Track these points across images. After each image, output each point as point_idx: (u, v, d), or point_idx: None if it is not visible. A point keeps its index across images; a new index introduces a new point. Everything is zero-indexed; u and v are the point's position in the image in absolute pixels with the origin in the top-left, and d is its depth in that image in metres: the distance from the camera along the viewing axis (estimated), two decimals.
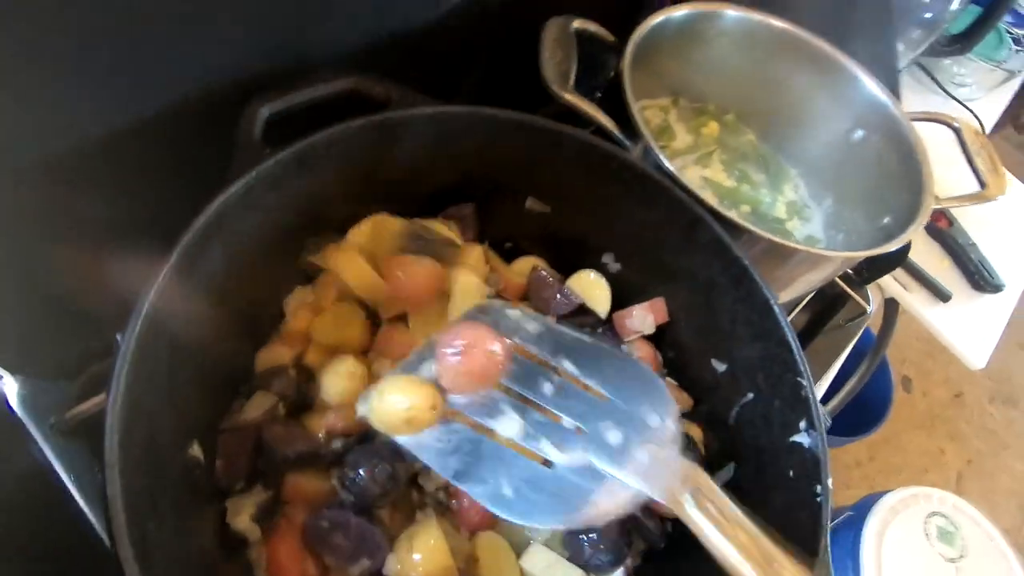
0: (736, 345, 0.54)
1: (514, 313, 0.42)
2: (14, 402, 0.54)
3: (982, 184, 0.68)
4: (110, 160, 0.46)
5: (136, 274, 0.41)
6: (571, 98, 0.56)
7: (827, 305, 0.90)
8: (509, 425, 0.38)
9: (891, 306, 0.99)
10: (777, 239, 0.55)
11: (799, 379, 0.48)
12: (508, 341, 0.40)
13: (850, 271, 0.89)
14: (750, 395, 0.52)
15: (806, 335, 0.89)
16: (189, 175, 0.44)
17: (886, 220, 0.65)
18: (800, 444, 0.46)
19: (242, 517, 0.43)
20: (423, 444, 0.38)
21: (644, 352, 0.60)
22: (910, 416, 2.23)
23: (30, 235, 0.46)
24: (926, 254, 1.15)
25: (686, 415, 0.58)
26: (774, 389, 0.50)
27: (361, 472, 0.43)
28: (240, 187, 0.42)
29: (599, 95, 0.69)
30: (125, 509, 0.31)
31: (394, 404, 0.38)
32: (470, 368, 0.38)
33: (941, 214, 1.11)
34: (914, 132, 0.66)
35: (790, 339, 0.49)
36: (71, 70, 0.39)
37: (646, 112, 0.80)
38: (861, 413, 1.52)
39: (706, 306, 0.56)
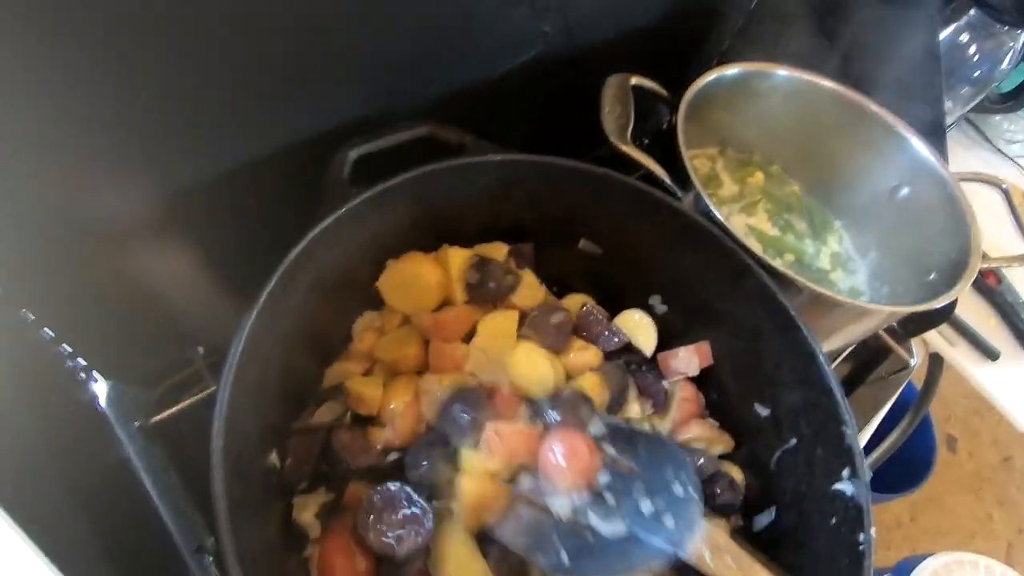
0: (780, 391, 0.56)
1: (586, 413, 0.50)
2: (103, 402, 0.60)
3: None
4: (216, 200, 0.52)
5: (223, 301, 0.46)
6: (628, 150, 0.60)
7: (870, 357, 0.90)
8: (561, 503, 0.45)
9: (935, 361, 0.98)
10: (822, 290, 0.57)
11: (843, 428, 0.49)
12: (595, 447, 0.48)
13: (894, 324, 0.89)
14: (793, 440, 0.54)
15: (848, 385, 0.89)
16: (283, 214, 0.49)
17: (932, 276, 0.66)
18: (843, 492, 0.48)
19: (307, 514, 0.46)
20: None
21: (687, 392, 0.62)
22: (956, 477, 2.13)
23: (135, 264, 0.51)
24: (973, 311, 1.13)
25: (727, 456, 0.59)
26: (817, 436, 0.51)
27: (425, 463, 0.47)
28: (330, 222, 0.47)
29: (647, 141, 0.73)
30: (227, 509, 0.35)
31: None
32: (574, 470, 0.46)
33: (991, 272, 1.10)
34: (961, 192, 0.68)
35: (834, 388, 0.50)
36: (193, 122, 0.45)
37: (694, 161, 0.83)
38: (903, 471, 1.48)
39: (750, 351, 0.58)
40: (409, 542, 0.44)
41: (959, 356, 1.11)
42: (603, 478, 0.47)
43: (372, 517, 0.44)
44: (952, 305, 0.83)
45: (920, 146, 0.72)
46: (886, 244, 0.78)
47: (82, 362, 0.58)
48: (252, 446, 0.42)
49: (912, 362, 0.89)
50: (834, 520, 0.47)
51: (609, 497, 0.45)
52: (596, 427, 0.50)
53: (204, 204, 0.49)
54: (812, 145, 0.81)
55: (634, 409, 0.60)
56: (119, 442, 0.59)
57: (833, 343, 0.70)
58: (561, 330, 0.60)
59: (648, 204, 0.59)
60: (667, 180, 0.62)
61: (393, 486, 0.45)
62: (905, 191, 0.74)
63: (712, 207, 0.59)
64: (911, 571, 1.17)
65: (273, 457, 0.47)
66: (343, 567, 0.44)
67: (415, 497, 0.45)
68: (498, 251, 0.61)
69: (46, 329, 0.53)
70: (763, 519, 0.55)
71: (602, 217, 0.62)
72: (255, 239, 0.47)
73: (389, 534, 0.43)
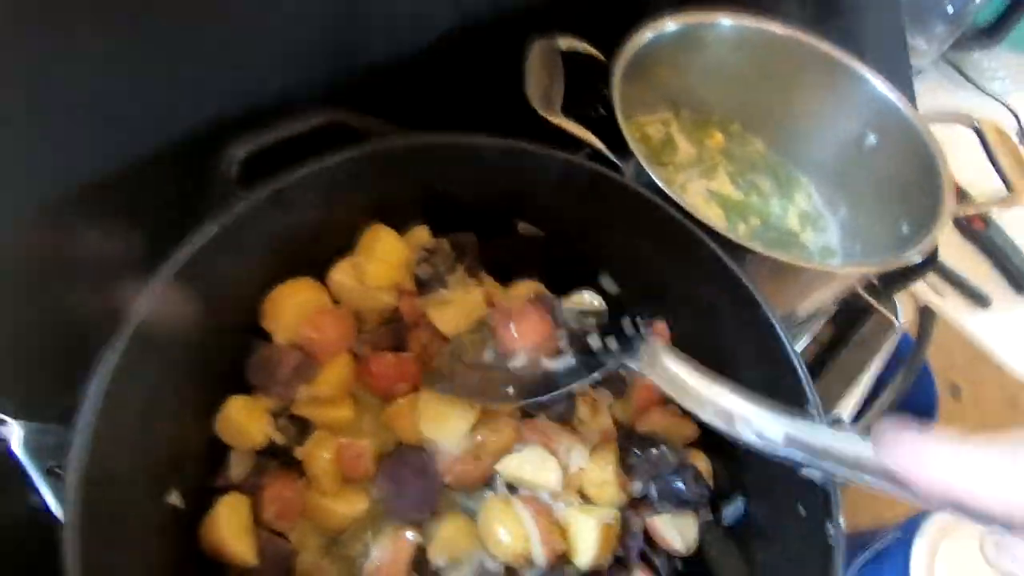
0: (742, 371, 0.51)
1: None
2: (16, 446, 0.55)
3: (1008, 187, 0.63)
4: (96, 204, 0.46)
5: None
6: (557, 120, 0.55)
7: (853, 317, 0.86)
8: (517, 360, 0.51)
9: (926, 315, 0.93)
10: (783, 257, 0.52)
11: (806, 407, 0.44)
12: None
13: (875, 281, 0.84)
14: None
15: (831, 349, 0.84)
16: (176, 217, 0.44)
17: (904, 229, 0.62)
18: (810, 479, 0.43)
19: None
20: None
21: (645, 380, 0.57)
22: (961, 426, 2.10)
23: (27, 282, 0.46)
24: (961, 257, 1.09)
25: (691, 444, 0.55)
26: None
27: None
28: (216, 232, 0.42)
29: (599, 115, 0.67)
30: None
31: None
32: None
33: (976, 215, 1.05)
34: (930, 135, 0.62)
35: (797, 366, 0.46)
36: (47, 121, 0.40)
37: (647, 128, 0.77)
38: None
39: (709, 330, 0.54)
40: None
41: (949, 306, 1.07)
42: (560, 341, 0.51)
43: None
44: (934, 255, 0.78)
45: (883, 87, 0.66)
46: (856, 198, 0.73)
47: None
48: (134, 491, 0.38)
49: (896, 322, 0.84)
50: (802, 509, 0.43)
51: (563, 346, 0.50)
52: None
53: (99, 207, 0.44)
54: (772, 98, 0.76)
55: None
56: (33, 491, 0.55)
57: (806, 308, 0.65)
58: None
59: (585, 179, 0.53)
60: (607, 152, 0.56)
61: None
62: (872, 139, 0.69)
63: (655, 176, 0.54)
64: (920, 526, 1.13)
65: (173, 497, 0.42)
66: None
67: None
68: (424, 237, 0.56)
69: None
70: (732, 510, 0.50)
71: (539, 197, 0.56)
72: (163, 246, 0.41)
73: None
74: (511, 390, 0.47)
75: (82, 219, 0.45)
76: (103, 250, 0.48)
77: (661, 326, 0.57)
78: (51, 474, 0.54)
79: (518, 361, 0.50)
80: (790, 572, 0.41)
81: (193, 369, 0.44)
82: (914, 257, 0.53)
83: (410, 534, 0.49)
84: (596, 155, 0.57)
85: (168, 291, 0.40)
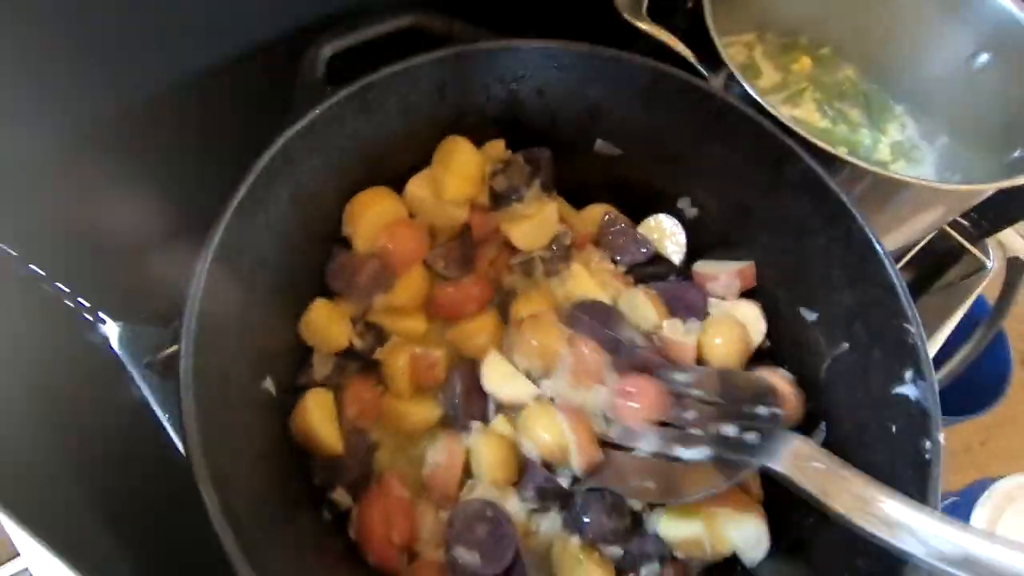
0: (830, 292, 0.49)
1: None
2: (115, 343, 0.59)
3: None
4: (181, 114, 0.47)
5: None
6: (644, 25, 0.52)
7: (938, 261, 0.81)
8: (648, 442, 0.47)
9: (1014, 266, 0.87)
10: (880, 171, 0.49)
11: (906, 324, 0.42)
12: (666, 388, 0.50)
13: (967, 222, 0.79)
14: (845, 346, 0.47)
15: (912, 294, 0.80)
16: (265, 119, 0.45)
17: (1016, 154, 0.57)
18: (905, 396, 0.41)
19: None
20: None
21: (745, 310, 0.54)
22: None
23: (122, 192, 0.48)
24: None
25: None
26: (874, 338, 0.45)
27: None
28: (303, 125, 0.42)
29: (684, 27, 0.64)
30: (200, 432, 0.32)
31: None
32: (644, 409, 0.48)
33: None
34: None
35: (895, 281, 0.43)
36: (142, 25, 0.40)
37: (728, 50, 0.73)
38: (972, 391, 1.36)
39: (795, 250, 0.51)
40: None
41: None
42: (687, 414, 0.48)
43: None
44: None
45: None
46: (960, 125, 0.67)
47: (85, 303, 0.56)
48: (239, 370, 0.39)
49: (988, 263, 0.79)
50: (895, 428, 0.41)
51: (694, 431, 0.47)
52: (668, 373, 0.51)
53: (168, 119, 0.45)
54: (869, 18, 0.70)
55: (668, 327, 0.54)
56: (131, 381, 0.58)
57: (896, 240, 0.62)
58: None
59: (670, 88, 0.51)
60: (692, 59, 0.53)
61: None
62: (984, 57, 0.63)
63: (747, 85, 0.51)
64: (980, 494, 1.09)
65: (267, 383, 0.44)
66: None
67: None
68: (500, 151, 0.55)
69: (38, 269, 0.51)
70: (815, 439, 0.49)
71: (619, 110, 0.54)
72: (229, 158, 0.42)
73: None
74: (651, 485, 0.44)
75: (179, 114, 0.46)
76: (192, 153, 0.50)
77: (749, 268, 0.55)
78: (147, 367, 0.58)
79: (648, 443, 0.46)
80: (884, 482, 0.40)
81: (281, 271, 0.45)
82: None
83: (465, 437, 0.50)
84: (683, 65, 0.54)
85: (259, 187, 0.41)
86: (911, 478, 0.39)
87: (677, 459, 0.45)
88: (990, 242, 0.84)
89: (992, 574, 0.31)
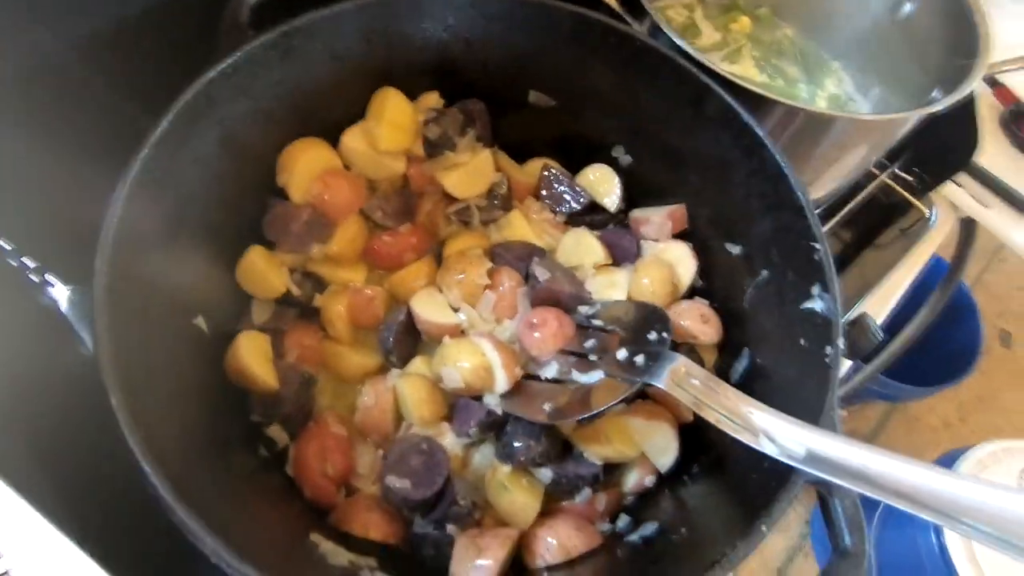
0: (750, 224, 0.51)
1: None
2: (64, 307, 0.60)
3: None
4: (115, 48, 0.48)
5: None
6: None
7: (883, 214, 0.83)
8: (550, 369, 0.50)
9: (967, 227, 0.89)
10: (804, 106, 0.50)
11: (812, 243, 0.44)
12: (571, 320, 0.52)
13: (908, 176, 0.81)
14: (764, 273, 0.49)
15: (855, 247, 0.82)
16: (190, 63, 0.46)
17: (933, 93, 0.58)
18: (813, 310, 0.43)
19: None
20: None
21: (676, 251, 0.56)
22: (1011, 372, 2.01)
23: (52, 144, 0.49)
24: (1009, 166, 1.02)
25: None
26: (788, 260, 0.46)
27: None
28: (225, 66, 0.43)
29: None
30: (111, 343, 0.33)
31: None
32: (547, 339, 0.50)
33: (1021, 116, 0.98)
34: None
35: (803, 203, 0.45)
36: None
37: (668, 11, 0.75)
38: (948, 364, 1.38)
39: (718, 188, 0.53)
40: None
41: (993, 217, 1.01)
42: (588, 343, 0.50)
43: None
44: (970, 149, 0.74)
45: None
46: (889, 75, 0.70)
47: (29, 263, 0.57)
48: (162, 300, 0.40)
49: (928, 213, 0.81)
50: (803, 341, 0.43)
51: (592, 356, 0.49)
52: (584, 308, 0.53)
53: (117, 51, 0.46)
54: None
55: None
56: (82, 343, 0.59)
57: (824, 184, 0.64)
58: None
59: (594, 33, 0.52)
60: (618, 7, 0.55)
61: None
62: (907, 7, 0.65)
63: (665, 26, 0.53)
64: (954, 463, 1.09)
65: (199, 321, 0.45)
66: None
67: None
68: (434, 101, 0.56)
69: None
70: (739, 365, 0.50)
71: (547, 58, 0.56)
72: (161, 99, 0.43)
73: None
74: (547, 407, 0.46)
75: (105, 62, 0.47)
76: (118, 95, 0.50)
77: (679, 210, 0.57)
78: None
79: (550, 370, 0.49)
80: (790, 397, 0.42)
81: (215, 214, 0.46)
82: (948, 103, 0.50)
83: (391, 379, 0.51)
84: (610, 14, 0.56)
85: (181, 125, 0.42)
86: (815, 386, 0.40)
87: (575, 383, 0.48)
88: (944, 206, 0.86)
89: (834, 468, 0.33)
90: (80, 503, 0.50)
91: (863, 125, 0.53)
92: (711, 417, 0.39)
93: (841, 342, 0.40)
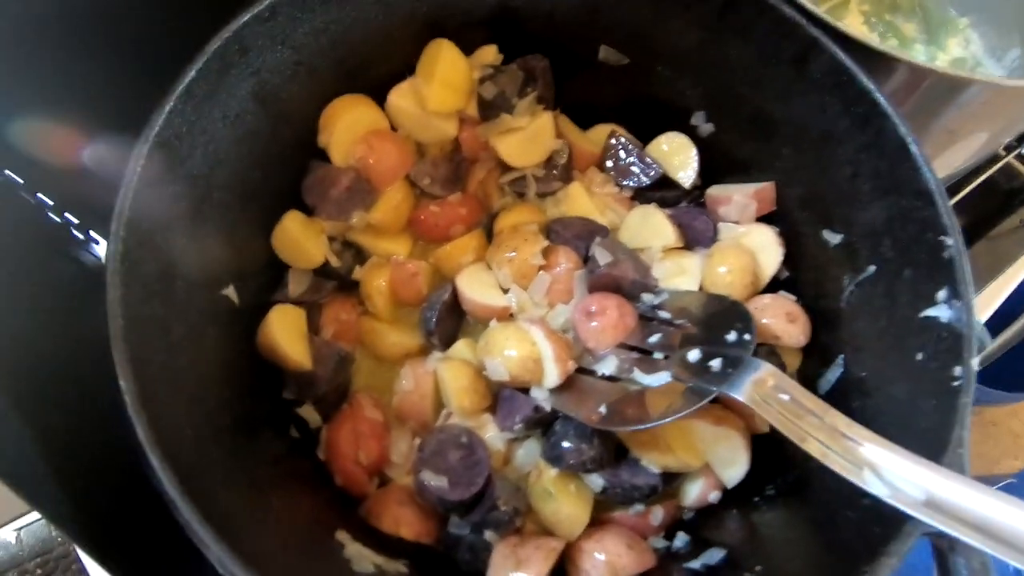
0: (856, 209, 0.43)
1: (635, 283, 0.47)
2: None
3: None
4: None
5: None
6: None
7: (1001, 201, 0.71)
8: (608, 365, 0.44)
9: None
10: (936, 67, 0.41)
11: (942, 237, 0.36)
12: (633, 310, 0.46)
13: None
14: (871, 268, 0.41)
15: (966, 239, 0.71)
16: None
17: None
18: (935, 319, 0.35)
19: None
20: None
21: (759, 236, 0.49)
22: None
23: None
24: None
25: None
26: (905, 256, 0.39)
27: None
28: (261, 8, 0.39)
29: None
30: (124, 317, 0.30)
31: None
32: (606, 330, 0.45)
33: None
34: None
35: (932, 187, 0.37)
36: None
37: None
38: None
39: (818, 164, 0.45)
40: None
41: None
42: (653, 338, 0.44)
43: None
44: None
45: None
46: None
47: (74, 220, 0.56)
48: (188, 270, 0.37)
49: None
50: (920, 356, 0.35)
51: (658, 354, 0.44)
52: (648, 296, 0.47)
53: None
54: None
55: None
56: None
57: (944, 165, 0.54)
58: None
59: None
60: None
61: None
62: None
63: None
64: None
65: (229, 292, 0.42)
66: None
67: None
68: (491, 57, 0.50)
69: (39, 195, 0.51)
70: (831, 375, 0.43)
71: (625, 10, 0.48)
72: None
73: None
74: (602, 409, 0.40)
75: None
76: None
77: (767, 189, 0.49)
78: None
79: (607, 366, 0.43)
80: (898, 422, 0.35)
81: (248, 176, 0.43)
82: None
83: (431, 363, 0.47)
84: None
85: (210, 75, 0.37)
86: (935, 413, 0.33)
87: (636, 383, 0.42)
88: None
89: (962, 521, 0.27)
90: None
91: (1006, 94, 0.44)
92: (800, 439, 0.32)
93: (975, 362, 0.32)
